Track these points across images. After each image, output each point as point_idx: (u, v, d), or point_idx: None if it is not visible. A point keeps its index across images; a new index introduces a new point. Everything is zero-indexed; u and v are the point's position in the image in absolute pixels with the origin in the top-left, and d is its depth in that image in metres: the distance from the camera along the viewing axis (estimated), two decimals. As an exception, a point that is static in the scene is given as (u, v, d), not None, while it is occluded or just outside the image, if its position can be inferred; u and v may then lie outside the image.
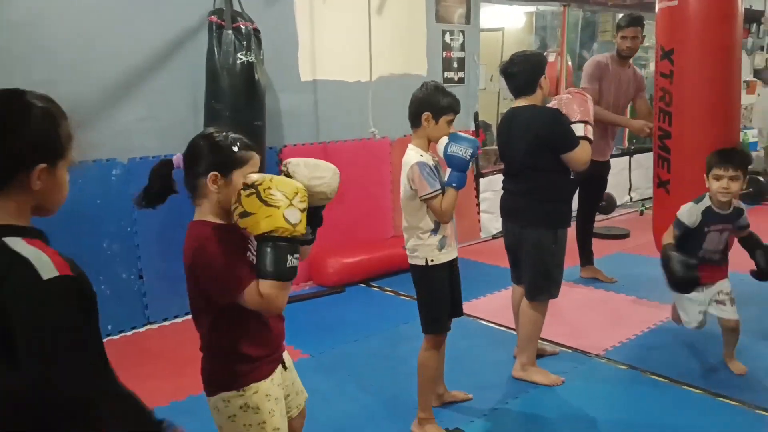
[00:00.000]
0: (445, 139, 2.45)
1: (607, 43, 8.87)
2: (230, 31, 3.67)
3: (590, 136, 2.85)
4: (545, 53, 7.97)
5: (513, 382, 3.06)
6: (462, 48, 5.47)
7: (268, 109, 3.96)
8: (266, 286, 1.51)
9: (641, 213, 6.66)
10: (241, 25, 3.71)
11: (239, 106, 3.71)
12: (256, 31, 3.80)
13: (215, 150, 1.60)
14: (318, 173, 1.68)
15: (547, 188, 2.91)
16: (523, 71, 2.91)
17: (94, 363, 1.14)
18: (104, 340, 3.78)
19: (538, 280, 2.96)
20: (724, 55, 3.11)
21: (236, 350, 1.63)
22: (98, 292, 3.83)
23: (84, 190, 3.55)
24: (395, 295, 4.32)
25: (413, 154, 2.49)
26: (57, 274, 1.08)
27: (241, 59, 3.67)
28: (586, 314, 3.88)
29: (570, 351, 3.37)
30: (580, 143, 2.82)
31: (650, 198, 7.07)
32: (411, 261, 2.55)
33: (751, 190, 5.39)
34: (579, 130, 2.83)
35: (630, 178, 7.14)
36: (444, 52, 5.32)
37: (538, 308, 3.01)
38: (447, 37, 5.33)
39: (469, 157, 2.41)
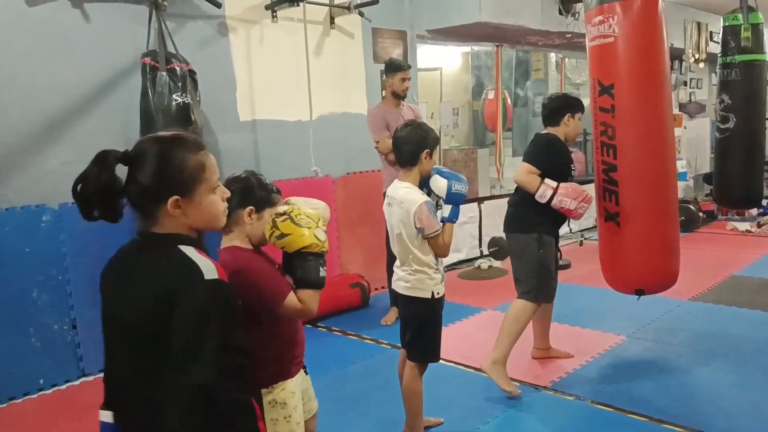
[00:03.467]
0: (439, 178, 2.61)
1: (540, 80, 9.22)
2: (164, 73, 3.60)
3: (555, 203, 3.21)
4: (484, 91, 8.23)
5: (479, 408, 3.03)
6: (401, 87, 5.55)
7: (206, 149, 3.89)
8: (304, 293, 1.81)
9: (581, 243, 6.83)
10: (176, 67, 3.65)
11: (176, 148, 3.62)
12: (192, 72, 3.76)
13: (260, 188, 1.87)
14: (314, 205, 1.94)
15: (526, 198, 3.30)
16: (552, 106, 3.44)
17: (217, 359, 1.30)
18: (35, 396, 3.56)
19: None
20: (659, 88, 3.24)
21: (268, 354, 1.84)
22: (27, 345, 3.64)
23: (11, 237, 3.38)
24: (342, 335, 4.25)
25: (415, 193, 2.55)
26: (216, 277, 1.32)
27: (176, 100, 3.60)
28: (530, 346, 3.91)
29: (518, 383, 3.37)
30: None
31: (589, 229, 7.31)
32: (413, 294, 2.61)
33: (683, 218, 5.61)
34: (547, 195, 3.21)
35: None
36: (383, 91, 5.38)
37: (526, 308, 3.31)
38: (386, 77, 5.40)
39: (465, 192, 2.64)
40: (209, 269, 1.32)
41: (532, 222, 3.29)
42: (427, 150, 2.57)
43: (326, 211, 1.96)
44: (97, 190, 1.36)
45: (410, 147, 2.57)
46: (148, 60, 3.62)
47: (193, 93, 3.74)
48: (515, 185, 3.44)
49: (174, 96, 3.59)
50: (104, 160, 1.38)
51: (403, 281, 2.63)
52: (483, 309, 4.68)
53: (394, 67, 4.47)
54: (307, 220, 1.81)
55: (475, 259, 6.04)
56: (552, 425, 2.96)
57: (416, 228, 2.52)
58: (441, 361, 2.77)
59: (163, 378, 1.28)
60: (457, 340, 3.92)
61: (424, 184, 2.65)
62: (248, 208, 1.83)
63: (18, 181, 3.44)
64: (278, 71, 4.65)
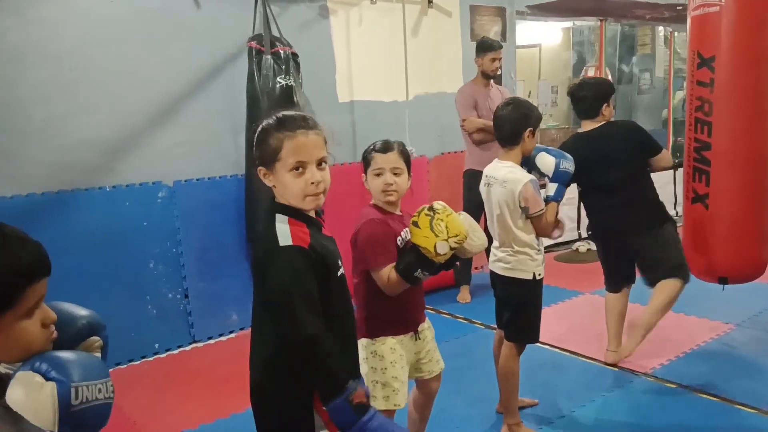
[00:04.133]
0: (546, 155, 2.61)
1: (647, 56, 8.76)
2: (269, 56, 3.76)
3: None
4: (584, 68, 7.94)
5: (575, 391, 3.01)
6: (498, 65, 5.46)
7: (306, 130, 4.02)
8: (394, 276, 1.96)
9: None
10: (280, 50, 3.79)
11: (278, 129, 3.77)
12: (294, 55, 3.88)
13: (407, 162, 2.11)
14: (476, 235, 2.02)
15: (649, 188, 3.18)
16: (589, 96, 3.15)
17: (312, 311, 1.45)
18: (151, 359, 3.84)
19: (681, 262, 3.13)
20: (765, 63, 3.01)
21: (377, 309, 2.06)
22: (144, 312, 3.90)
23: (131, 212, 3.66)
24: (435, 313, 4.30)
25: (519, 172, 2.54)
26: (290, 243, 1.46)
27: (280, 83, 3.75)
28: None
29: (617, 368, 3.29)
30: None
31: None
32: (514, 275, 2.60)
33: None
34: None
35: (675, 192, 6.95)
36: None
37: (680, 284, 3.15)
38: (483, 55, 5.33)
39: (572, 171, 2.63)
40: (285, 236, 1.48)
41: (658, 214, 3.18)
42: (530, 128, 2.54)
43: (478, 249, 2.02)
44: None
45: (512, 125, 2.54)
46: (254, 44, 3.78)
47: (296, 75, 3.86)
48: (610, 189, 3.11)
49: (278, 78, 3.74)
50: None
51: (502, 262, 2.62)
52: (580, 293, 4.58)
53: (484, 47, 4.41)
54: (442, 229, 1.90)
55: (573, 241, 5.89)
56: (650, 412, 2.87)
57: (520, 207, 2.50)
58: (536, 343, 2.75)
59: None
60: (552, 323, 3.86)
61: (524, 163, 2.62)
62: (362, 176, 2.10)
63: (137, 160, 3.70)
64: (376, 52, 4.71)
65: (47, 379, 0.93)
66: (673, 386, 3.09)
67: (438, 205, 1.95)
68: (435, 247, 1.88)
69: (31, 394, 0.91)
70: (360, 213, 2.13)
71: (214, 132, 3.98)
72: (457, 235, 1.90)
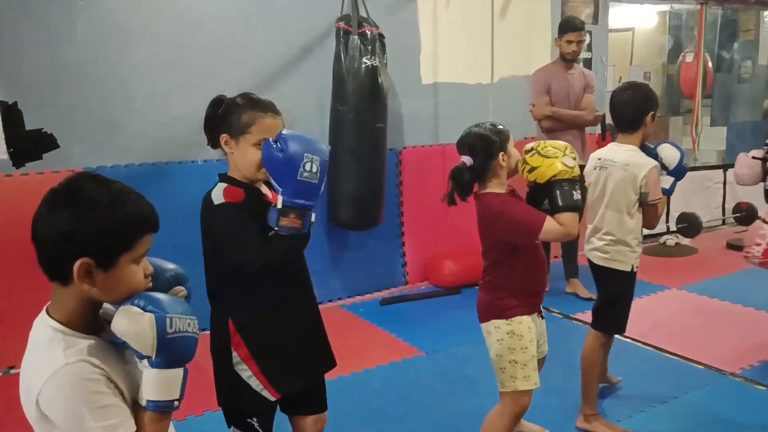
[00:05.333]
0: (671, 148, 2.55)
1: (749, 43, 8.23)
2: (356, 37, 3.80)
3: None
4: (682, 54, 7.55)
5: (657, 387, 2.92)
6: (589, 49, 5.29)
7: (389, 111, 4.05)
8: (563, 217, 1.99)
9: None
10: (367, 31, 3.83)
11: (363, 109, 3.83)
12: (381, 36, 3.91)
13: (496, 135, 2.09)
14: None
15: None
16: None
17: (249, 246, 1.65)
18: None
19: None
20: None
21: (511, 289, 2.10)
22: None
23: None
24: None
25: (643, 156, 2.50)
26: (223, 201, 1.68)
27: (366, 63, 3.78)
28: (713, 330, 3.62)
29: (701, 367, 3.16)
30: None
31: None
32: (611, 266, 2.55)
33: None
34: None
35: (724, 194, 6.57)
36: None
37: None
38: (572, 39, 5.17)
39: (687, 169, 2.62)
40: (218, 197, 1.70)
41: None
42: (652, 112, 2.48)
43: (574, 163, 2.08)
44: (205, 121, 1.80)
45: (633, 110, 2.48)
46: (341, 24, 3.83)
47: (381, 56, 3.89)
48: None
49: (364, 59, 3.77)
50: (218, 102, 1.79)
51: (600, 252, 2.57)
52: (666, 287, 4.41)
53: (562, 27, 4.27)
54: (554, 150, 2.03)
55: (661, 234, 5.66)
56: (735, 413, 2.75)
57: (641, 192, 2.44)
58: (619, 336, 2.69)
59: None
60: (636, 317, 3.74)
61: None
62: (500, 154, 2.06)
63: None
64: (462, 34, 4.66)
65: (145, 311, 1.05)
66: (763, 388, 2.94)
67: (528, 146, 2.11)
68: (563, 164, 1.99)
69: (134, 322, 1.04)
70: (481, 204, 2.13)
71: (301, 112, 4.06)
72: (566, 147, 2.05)
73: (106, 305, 1.15)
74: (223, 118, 1.75)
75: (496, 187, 2.11)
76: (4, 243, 3.14)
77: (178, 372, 1.09)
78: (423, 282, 4.61)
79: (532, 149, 2.07)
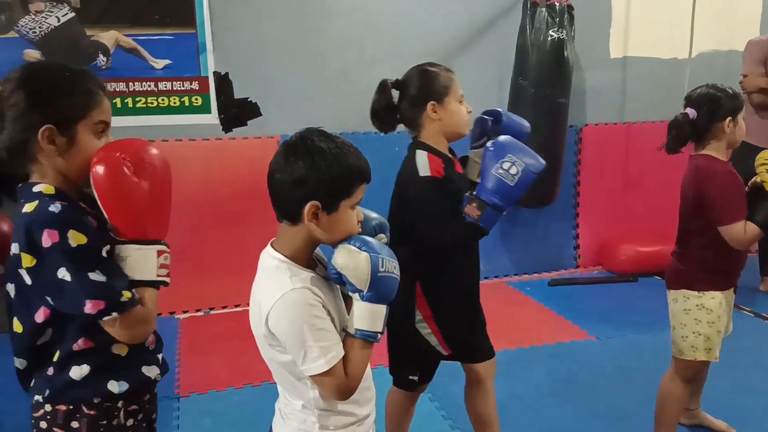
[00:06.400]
0: None
1: None
2: (544, 9, 3.70)
3: None
4: None
5: None
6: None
7: (572, 86, 3.92)
8: (751, 227, 1.96)
9: None
10: (555, 2, 3.72)
11: (544, 83, 3.74)
12: (570, 7, 3.78)
13: (731, 99, 2.01)
14: None
15: None
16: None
17: (441, 225, 1.80)
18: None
19: None
20: None
21: (707, 262, 2.07)
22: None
23: (399, 156, 3.95)
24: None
25: None
26: (428, 174, 1.80)
27: (552, 36, 3.69)
28: None
29: None
30: None
31: None
32: None
33: None
34: None
35: None
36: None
37: None
38: (791, 7, 4.60)
39: None
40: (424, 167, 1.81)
41: None
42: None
43: None
44: (380, 108, 1.94)
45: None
46: (531, -5, 3.76)
47: (569, 29, 3.76)
48: None
49: (550, 32, 3.68)
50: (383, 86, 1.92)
51: None
52: None
53: None
54: None
55: None
56: None
57: None
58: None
59: None
60: None
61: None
62: (727, 119, 1.99)
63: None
64: (658, 4, 4.35)
65: (361, 251, 1.18)
66: None
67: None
68: None
69: (353, 258, 1.17)
70: (695, 164, 2.07)
71: (480, 85, 4.06)
72: None
73: (317, 250, 1.31)
74: (424, 86, 1.90)
75: (714, 151, 2.04)
76: (208, 201, 3.55)
77: (383, 308, 1.21)
78: (596, 267, 4.45)
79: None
